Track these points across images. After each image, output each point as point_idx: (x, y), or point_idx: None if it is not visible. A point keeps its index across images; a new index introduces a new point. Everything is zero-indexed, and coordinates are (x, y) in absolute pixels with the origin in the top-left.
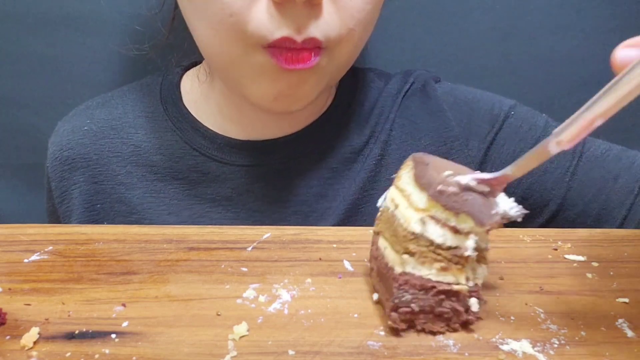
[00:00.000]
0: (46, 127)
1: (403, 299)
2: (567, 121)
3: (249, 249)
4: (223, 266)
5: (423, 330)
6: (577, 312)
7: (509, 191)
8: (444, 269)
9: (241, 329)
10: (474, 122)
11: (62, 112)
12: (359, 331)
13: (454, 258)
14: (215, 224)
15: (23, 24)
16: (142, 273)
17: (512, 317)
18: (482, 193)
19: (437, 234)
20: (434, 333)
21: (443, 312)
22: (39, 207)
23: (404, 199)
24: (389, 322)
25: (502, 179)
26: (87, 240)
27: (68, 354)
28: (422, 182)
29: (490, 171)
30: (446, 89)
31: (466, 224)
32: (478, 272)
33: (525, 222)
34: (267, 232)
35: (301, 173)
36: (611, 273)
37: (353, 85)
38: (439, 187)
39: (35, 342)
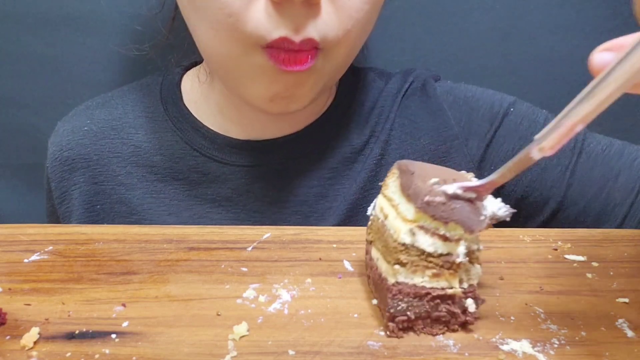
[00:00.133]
0: (46, 127)
1: (398, 308)
2: (548, 127)
3: (249, 249)
4: (223, 266)
5: (425, 334)
6: (577, 312)
7: (509, 190)
8: (436, 275)
9: (241, 329)
10: (474, 121)
11: (62, 112)
12: (359, 331)
13: (445, 264)
14: (215, 225)
15: (23, 24)
16: (142, 273)
17: (512, 317)
18: (469, 200)
19: (428, 243)
20: (433, 334)
21: (440, 315)
22: (39, 207)
23: (393, 209)
24: (387, 332)
25: (488, 186)
26: (87, 240)
27: (68, 354)
28: (408, 192)
29: (489, 170)
30: (446, 88)
31: (456, 231)
32: (472, 273)
33: (526, 220)
34: (267, 232)
35: (301, 173)
36: (611, 273)
37: (353, 85)
38: (426, 198)
39: (35, 342)
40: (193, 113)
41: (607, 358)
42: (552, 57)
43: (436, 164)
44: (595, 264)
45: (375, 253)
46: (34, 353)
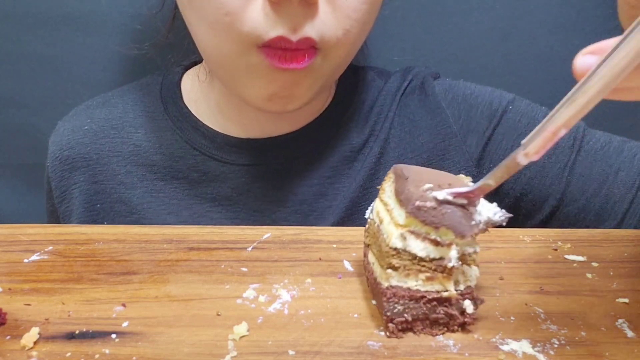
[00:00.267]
0: (46, 127)
1: (395, 310)
2: (533, 132)
3: (249, 249)
4: (223, 266)
5: (424, 335)
6: (577, 312)
7: (507, 187)
8: (429, 279)
9: (241, 329)
10: (472, 119)
11: (62, 112)
12: (359, 331)
13: (438, 268)
14: (215, 224)
15: (23, 24)
16: (142, 273)
17: (512, 317)
18: (460, 205)
19: (419, 247)
20: (433, 334)
21: (438, 317)
22: (39, 207)
23: (387, 214)
24: (387, 333)
25: (478, 192)
26: (87, 240)
27: (68, 354)
28: (401, 197)
29: (489, 168)
30: (444, 86)
31: (447, 236)
32: (469, 275)
33: (526, 218)
34: (267, 232)
35: (301, 172)
36: (611, 273)
37: (353, 84)
38: (417, 203)
39: (35, 342)
40: (193, 112)
41: (607, 358)
42: (552, 57)
43: (435, 162)
44: (595, 264)
45: (371, 257)
46: (34, 353)
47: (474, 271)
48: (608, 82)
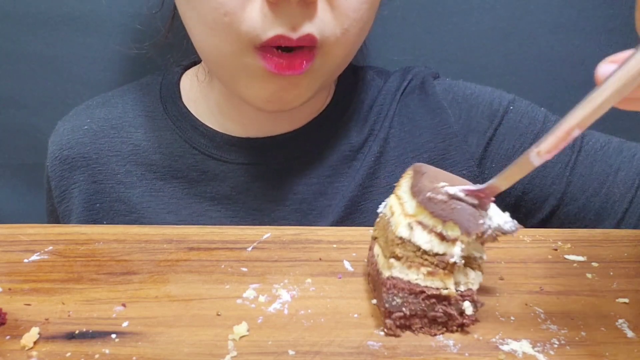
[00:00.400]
0: (46, 127)
1: (393, 303)
2: (549, 132)
3: (249, 249)
4: (223, 266)
5: (423, 334)
6: (577, 312)
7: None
8: (430, 274)
9: (241, 329)
10: (473, 118)
11: (62, 112)
12: (359, 331)
13: (440, 264)
14: (214, 223)
15: (23, 24)
16: (142, 273)
17: (512, 317)
18: (471, 205)
19: (424, 240)
20: (432, 334)
21: (437, 316)
22: (39, 207)
23: (399, 207)
24: (385, 330)
25: (489, 191)
26: (87, 240)
27: (68, 354)
28: (414, 190)
29: (490, 167)
30: (445, 86)
31: (453, 231)
32: (472, 278)
33: (526, 217)
34: (267, 232)
35: (301, 171)
36: (611, 273)
37: (352, 84)
38: (428, 194)
39: (35, 342)
40: (192, 112)
41: (607, 358)
42: (552, 57)
43: (436, 161)
44: (595, 264)
45: (377, 249)
46: (34, 353)
47: (477, 275)
48: (623, 84)
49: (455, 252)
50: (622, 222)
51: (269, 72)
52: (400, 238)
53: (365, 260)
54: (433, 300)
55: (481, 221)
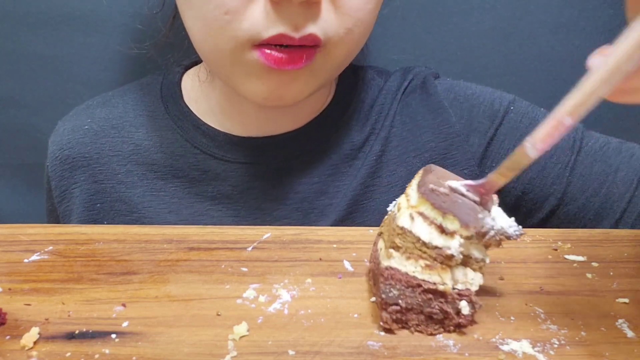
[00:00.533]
0: (46, 126)
1: (390, 294)
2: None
3: (249, 249)
4: (223, 266)
5: (418, 332)
6: (577, 312)
7: (509, 187)
8: (428, 267)
9: (241, 329)
10: (475, 118)
11: (62, 111)
12: (359, 331)
13: (438, 257)
14: (215, 222)
15: (23, 24)
16: (142, 273)
17: (512, 317)
18: (473, 201)
19: (424, 231)
20: (428, 333)
21: (433, 312)
22: (39, 207)
23: (406, 202)
24: (381, 323)
25: (488, 186)
26: (87, 240)
27: (68, 354)
28: (419, 184)
29: (491, 167)
30: (446, 85)
31: (452, 224)
32: (471, 278)
33: (526, 217)
34: (267, 232)
35: (302, 170)
36: (611, 273)
37: (353, 83)
38: (431, 186)
39: (35, 342)
40: (193, 111)
41: (607, 358)
42: (553, 57)
43: (437, 161)
44: (595, 264)
45: (381, 243)
46: (34, 353)
47: (477, 277)
48: (610, 72)
49: (453, 245)
50: (621, 221)
51: (268, 68)
52: (402, 228)
53: (366, 260)
54: (430, 295)
55: (480, 216)
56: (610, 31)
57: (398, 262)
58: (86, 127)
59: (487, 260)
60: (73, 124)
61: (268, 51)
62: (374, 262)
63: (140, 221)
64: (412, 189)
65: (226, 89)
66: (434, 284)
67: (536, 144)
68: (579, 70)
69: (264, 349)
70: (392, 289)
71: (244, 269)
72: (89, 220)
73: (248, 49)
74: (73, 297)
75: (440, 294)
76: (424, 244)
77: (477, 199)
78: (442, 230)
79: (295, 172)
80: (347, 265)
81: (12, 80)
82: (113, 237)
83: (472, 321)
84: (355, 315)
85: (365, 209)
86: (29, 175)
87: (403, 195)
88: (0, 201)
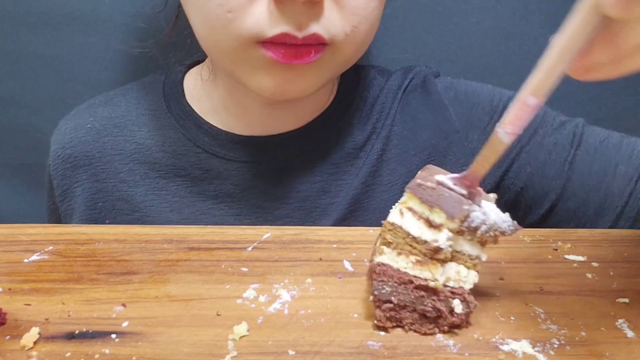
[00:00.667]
0: (46, 126)
1: (383, 291)
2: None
3: (249, 249)
4: (223, 266)
5: (413, 331)
6: (577, 312)
7: (508, 183)
8: (419, 263)
9: (241, 329)
10: (474, 115)
11: (62, 111)
12: (359, 331)
13: (428, 252)
14: (217, 221)
15: (23, 24)
16: (142, 273)
17: (512, 317)
18: (460, 195)
19: (414, 226)
20: (422, 332)
21: (426, 310)
22: (39, 207)
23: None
24: (375, 321)
25: (471, 176)
26: (87, 240)
27: (68, 354)
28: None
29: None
30: (446, 84)
31: (439, 217)
32: (464, 276)
33: (526, 213)
34: (267, 232)
35: (304, 169)
36: (611, 273)
37: (355, 83)
38: (418, 181)
39: (35, 342)
40: (196, 110)
41: (607, 358)
42: None
43: (437, 158)
44: (595, 264)
45: (379, 242)
46: (34, 353)
47: (471, 275)
48: (564, 46)
49: (441, 238)
50: (622, 217)
51: (275, 62)
52: (392, 224)
53: (366, 260)
54: (422, 292)
55: (466, 207)
56: None
57: (389, 258)
58: (88, 125)
59: (484, 258)
60: (75, 122)
61: (274, 48)
62: (372, 259)
63: (142, 220)
64: None
65: (228, 88)
66: (425, 280)
67: (506, 128)
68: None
69: (264, 349)
70: (384, 286)
71: (244, 269)
72: (90, 218)
73: (252, 46)
74: (73, 297)
75: (433, 291)
76: (414, 239)
77: (464, 192)
78: (430, 224)
79: (297, 171)
80: (347, 265)
81: (12, 80)
82: (113, 237)
83: (467, 321)
84: (355, 315)
85: (366, 207)
86: (29, 175)
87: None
88: (0, 201)
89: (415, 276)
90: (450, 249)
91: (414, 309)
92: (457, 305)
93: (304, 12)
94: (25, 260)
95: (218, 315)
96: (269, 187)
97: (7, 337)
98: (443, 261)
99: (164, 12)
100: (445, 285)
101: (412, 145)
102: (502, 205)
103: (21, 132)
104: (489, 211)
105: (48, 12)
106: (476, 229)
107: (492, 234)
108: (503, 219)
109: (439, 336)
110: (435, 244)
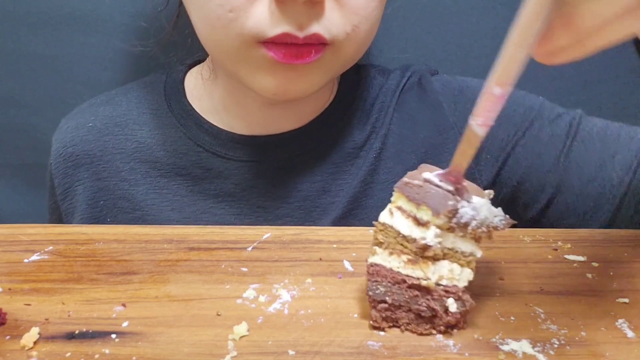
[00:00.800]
0: (46, 126)
1: (377, 291)
2: None
3: (249, 249)
4: (223, 266)
5: (409, 331)
6: (577, 312)
7: (505, 177)
8: (411, 262)
9: (241, 329)
10: (469, 110)
11: (62, 111)
12: (359, 331)
13: (419, 251)
14: (218, 220)
15: (23, 24)
16: (142, 273)
17: (512, 317)
18: (447, 191)
19: (404, 224)
20: (418, 332)
21: (420, 310)
22: (39, 207)
23: None
24: (371, 322)
25: (454, 171)
26: (87, 240)
27: (68, 354)
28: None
29: (485, 159)
30: (442, 81)
31: (426, 214)
32: (457, 274)
33: (524, 209)
34: (267, 232)
35: (304, 169)
36: (611, 273)
37: (355, 82)
38: (405, 179)
39: (35, 342)
40: (196, 109)
41: (607, 358)
42: None
43: (433, 156)
44: (595, 264)
45: (372, 242)
46: (34, 353)
47: (465, 272)
48: (522, 30)
49: (428, 235)
50: (622, 207)
51: (277, 62)
52: (383, 224)
53: (366, 260)
54: (416, 292)
55: (451, 202)
56: None
57: (382, 258)
58: (90, 124)
59: (478, 254)
60: (77, 121)
61: (275, 48)
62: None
63: (143, 219)
64: None
65: (229, 87)
66: (418, 279)
67: (477, 120)
68: (578, 70)
69: (264, 349)
70: (378, 286)
71: (244, 269)
72: (91, 217)
73: (253, 46)
74: (73, 297)
75: (426, 290)
76: (404, 237)
77: (451, 188)
78: (418, 222)
79: (297, 170)
80: (347, 265)
81: (12, 80)
82: (113, 237)
83: (463, 320)
84: (355, 315)
85: (364, 206)
86: (29, 175)
87: None
88: (0, 201)
89: (407, 275)
90: (439, 246)
91: (409, 309)
92: (452, 304)
93: (304, 12)
94: (25, 260)
95: (218, 315)
96: (269, 187)
97: (7, 337)
98: (434, 259)
99: (165, 11)
100: (438, 284)
101: (409, 143)
102: (499, 201)
103: (21, 132)
104: (479, 206)
105: (48, 12)
106: (466, 224)
107: (484, 229)
108: (495, 213)
109: (439, 336)
110: (423, 242)
